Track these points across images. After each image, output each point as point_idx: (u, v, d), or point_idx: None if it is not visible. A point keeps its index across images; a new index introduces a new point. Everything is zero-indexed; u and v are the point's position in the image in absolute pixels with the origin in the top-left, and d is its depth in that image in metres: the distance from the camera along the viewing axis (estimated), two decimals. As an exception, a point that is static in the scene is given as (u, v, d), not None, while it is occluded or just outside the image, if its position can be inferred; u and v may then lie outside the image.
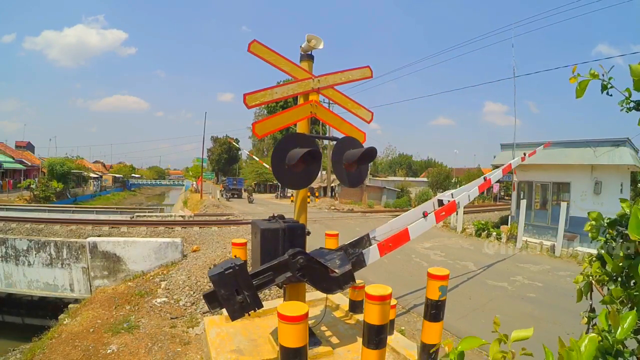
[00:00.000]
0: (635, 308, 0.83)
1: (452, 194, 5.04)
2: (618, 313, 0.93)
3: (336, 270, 3.38)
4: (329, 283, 3.38)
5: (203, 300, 6.05)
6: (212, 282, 2.89)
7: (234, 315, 2.93)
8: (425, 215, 4.37)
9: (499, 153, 15.79)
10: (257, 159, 34.72)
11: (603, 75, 1.21)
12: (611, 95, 1.21)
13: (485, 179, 5.76)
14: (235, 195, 27.17)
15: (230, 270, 2.90)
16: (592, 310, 1.32)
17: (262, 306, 3.09)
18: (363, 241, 4.11)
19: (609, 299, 1.10)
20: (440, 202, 4.79)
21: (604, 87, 1.21)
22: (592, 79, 1.19)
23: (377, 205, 27.51)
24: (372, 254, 3.70)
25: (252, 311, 3.00)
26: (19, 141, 44.14)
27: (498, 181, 30.16)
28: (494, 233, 13.05)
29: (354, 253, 3.79)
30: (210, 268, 5.50)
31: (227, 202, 26.82)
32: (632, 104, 1.17)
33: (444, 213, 4.39)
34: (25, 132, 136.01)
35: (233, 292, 2.91)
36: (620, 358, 0.80)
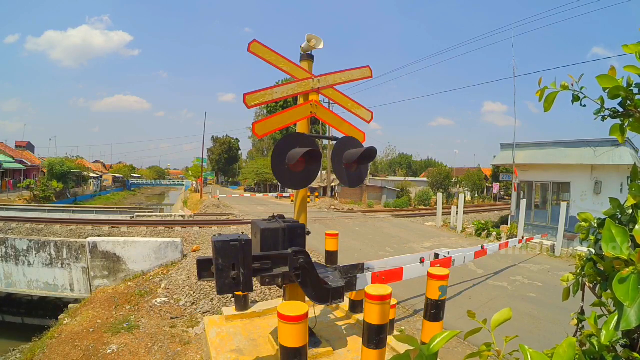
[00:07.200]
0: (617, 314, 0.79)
1: (448, 252, 5.45)
2: (609, 314, 0.91)
3: (329, 283, 3.46)
4: (320, 293, 3.40)
5: (203, 300, 6.11)
6: (214, 248, 2.86)
7: (221, 289, 2.91)
8: (422, 261, 4.70)
9: (499, 153, 15.82)
10: None
11: (573, 85, 1.08)
12: (584, 105, 1.10)
13: (482, 247, 6.45)
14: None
15: (236, 242, 2.88)
16: (582, 312, 1.30)
17: (252, 290, 3.07)
18: (357, 268, 4.37)
19: (599, 302, 1.09)
20: (437, 256, 5.26)
21: (575, 99, 1.09)
22: (561, 91, 1.08)
23: (377, 205, 27.52)
24: (364, 280, 3.92)
25: (239, 292, 2.94)
26: (19, 141, 44.15)
27: (498, 181, 30.19)
28: (494, 233, 13.06)
29: (348, 275, 3.94)
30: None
31: (226, 201, 27.58)
32: (607, 112, 1.09)
33: (438, 265, 4.75)
34: (26, 132, 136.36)
35: (230, 266, 2.87)
36: None
